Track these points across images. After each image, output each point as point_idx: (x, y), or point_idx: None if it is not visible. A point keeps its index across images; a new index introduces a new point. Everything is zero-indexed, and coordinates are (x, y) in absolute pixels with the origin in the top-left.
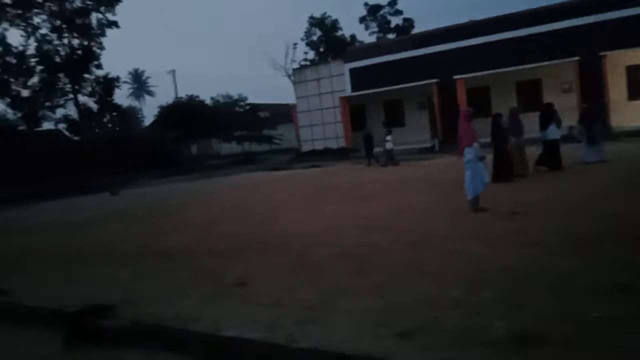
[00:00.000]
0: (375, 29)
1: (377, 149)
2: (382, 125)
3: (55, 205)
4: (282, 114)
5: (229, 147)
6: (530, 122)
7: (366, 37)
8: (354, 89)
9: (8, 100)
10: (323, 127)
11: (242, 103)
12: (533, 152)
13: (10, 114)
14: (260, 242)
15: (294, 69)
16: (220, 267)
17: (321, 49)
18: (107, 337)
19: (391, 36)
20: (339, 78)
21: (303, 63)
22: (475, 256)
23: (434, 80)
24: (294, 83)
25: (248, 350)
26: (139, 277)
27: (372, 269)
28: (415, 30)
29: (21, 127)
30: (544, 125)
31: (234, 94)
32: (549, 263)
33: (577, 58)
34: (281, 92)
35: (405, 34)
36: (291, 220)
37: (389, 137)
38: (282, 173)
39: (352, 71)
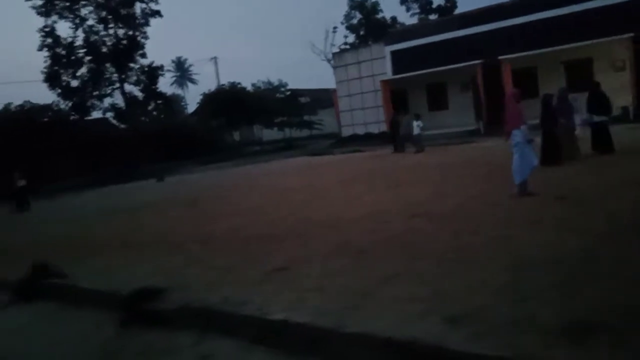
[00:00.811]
0: (417, 10)
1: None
2: (402, 113)
3: (105, 192)
4: (323, 99)
5: (271, 134)
6: (581, 103)
7: (407, 18)
8: (395, 72)
9: (59, 90)
10: (363, 112)
11: (282, 89)
12: (584, 135)
13: (62, 104)
14: (303, 227)
15: (333, 53)
16: (265, 252)
17: (361, 32)
18: (159, 320)
19: (433, 17)
20: (379, 61)
21: (343, 47)
22: (523, 242)
23: (478, 62)
24: (334, 67)
25: (296, 334)
26: (187, 262)
27: (418, 255)
28: (458, 11)
29: (72, 117)
30: (591, 107)
31: (275, 80)
32: (599, 250)
33: (631, 34)
34: (321, 77)
35: (448, 14)
36: (333, 205)
37: (418, 123)
38: (322, 158)
39: (394, 54)
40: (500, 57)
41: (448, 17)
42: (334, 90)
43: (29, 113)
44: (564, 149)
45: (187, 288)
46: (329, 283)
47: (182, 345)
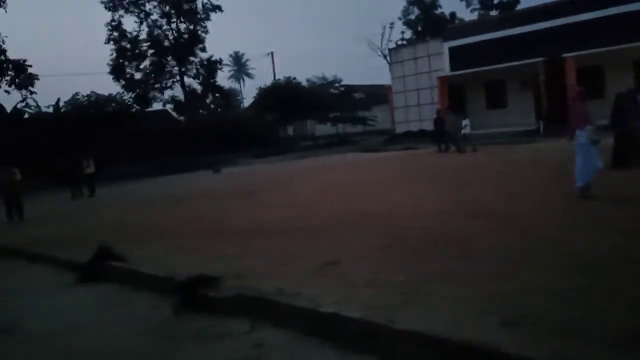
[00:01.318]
0: (477, 6)
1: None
2: (447, 111)
3: (164, 181)
4: (377, 95)
5: (324, 129)
6: None
7: (467, 14)
8: (453, 68)
9: (123, 82)
10: (419, 109)
11: (337, 84)
12: None
13: (125, 95)
14: (355, 222)
15: (390, 49)
16: (317, 245)
17: (419, 28)
18: (213, 306)
19: (494, 13)
20: (437, 57)
21: (400, 43)
22: (583, 246)
23: (540, 59)
24: (390, 63)
25: (347, 328)
26: (241, 251)
27: (473, 255)
28: (520, 7)
29: (134, 108)
30: None
31: (329, 75)
32: None
33: None
34: (376, 72)
35: (510, 10)
36: (387, 201)
37: (466, 122)
38: (376, 155)
39: (452, 50)
40: (564, 55)
41: (510, 13)
42: (389, 87)
43: (94, 103)
44: (635, 151)
45: (241, 277)
46: (381, 279)
47: (235, 331)
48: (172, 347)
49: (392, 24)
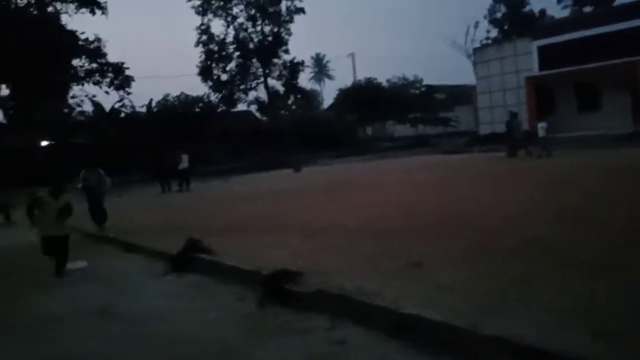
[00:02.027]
0: (569, 2)
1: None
2: (510, 115)
3: (248, 178)
4: (459, 95)
5: (403, 130)
6: None
7: (558, 11)
8: (542, 68)
9: (210, 83)
10: (504, 110)
11: (418, 85)
12: None
13: (212, 96)
14: (440, 223)
15: (474, 49)
16: (397, 245)
17: (505, 27)
18: (295, 301)
19: (588, 9)
20: (525, 57)
21: (485, 42)
22: None
23: (639, 58)
24: (475, 63)
25: (429, 331)
26: (322, 248)
27: (563, 261)
28: (617, 2)
29: (220, 108)
30: None
31: (410, 75)
32: None
33: None
34: (459, 73)
35: (605, 5)
36: (473, 203)
37: (542, 124)
38: (458, 156)
39: (541, 49)
40: None
41: (606, 9)
42: (473, 87)
43: (184, 103)
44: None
45: (323, 274)
46: (465, 283)
47: (317, 327)
48: (257, 339)
49: (477, 22)
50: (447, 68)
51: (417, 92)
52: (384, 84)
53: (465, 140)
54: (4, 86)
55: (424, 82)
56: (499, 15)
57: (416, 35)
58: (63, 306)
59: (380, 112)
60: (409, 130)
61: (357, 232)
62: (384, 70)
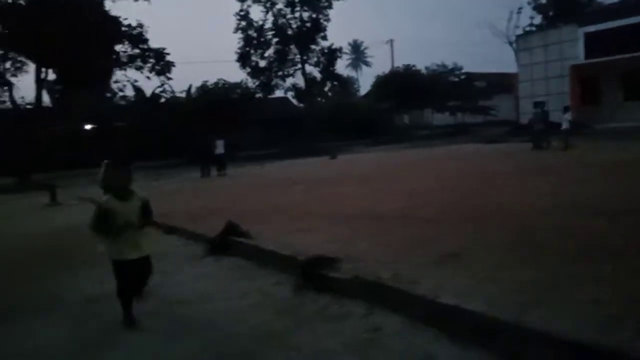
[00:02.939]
0: None
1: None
2: (533, 106)
3: (284, 164)
4: (500, 83)
5: (441, 118)
6: None
7: None
8: (588, 56)
9: (248, 70)
10: (547, 99)
11: (457, 72)
12: None
13: (250, 82)
14: (475, 213)
15: (517, 35)
16: (435, 235)
17: (550, 13)
18: (331, 287)
19: None
20: (570, 44)
21: (528, 29)
22: None
23: None
24: (517, 50)
25: (468, 322)
26: (359, 235)
27: (606, 256)
28: None
29: (257, 95)
30: None
31: (449, 62)
32: None
33: None
34: (500, 60)
35: None
36: (513, 194)
37: (566, 116)
38: (498, 146)
39: (588, 36)
40: None
41: None
42: (515, 75)
43: (222, 89)
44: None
45: (359, 261)
46: (505, 275)
47: (353, 314)
48: (294, 324)
49: (520, 9)
50: (488, 55)
51: (456, 79)
52: (423, 71)
53: (505, 129)
54: (50, 71)
55: (464, 70)
56: (543, 1)
57: (456, 22)
58: (104, 287)
59: (418, 99)
60: (448, 119)
61: (393, 220)
62: (422, 57)
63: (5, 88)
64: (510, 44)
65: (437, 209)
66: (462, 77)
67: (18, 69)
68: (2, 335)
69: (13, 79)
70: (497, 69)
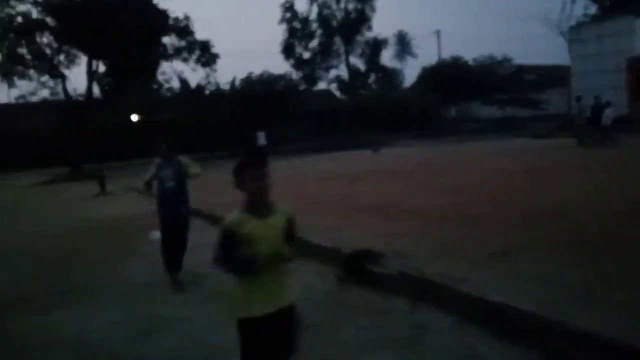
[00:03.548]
0: None
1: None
2: (576, 101)
3: (327, 158)
4: (552, 76)
5: (489, 111)
6: None
7: None
8: None
9: (292, 62)
10: (601, 93)
11: (506, 65)
12: None
13: (294, 74)
14: (523, 212)
15: (571, 27)
16: (482, 232)
17: (607, 3)
18: (376, 282)
19: None
20: (627, 36)
21: (582, 20)
22: None
23: None
24: (570, 42)
25: (515, 321)
26: (404, 232)
27: None
28: None
29: (301, 87)
30: None
31: (499, 54)
32: None
33: None
34: (552, 53)
35: None
36: (564, 193)
37: (608, 112)
38: (547, 142)
39: None
40: None
41: None
42: (567, 68)
43: (266, 82)
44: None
45: (405, 257)
46: (554, 274)
47: (397, 310)
48: (338, 317)
49: None
50: (540, 48)
51: (506, 72)
52: (471, 63)
53: (556, 124)
54: (101, 64)
55: (514, 62)
56: None
57: (507, 12)
58: (153, 274)
59: (466, 92)
60: (496, 112)
61: (439, 217)
62: (471, 49)
63: (59, 80)
64: (564, 35)
65: (485, 207)
66: (512, 69)
67: (71, 62)
68: (61, 318)
69: (66, 72)
70: (550, 62)
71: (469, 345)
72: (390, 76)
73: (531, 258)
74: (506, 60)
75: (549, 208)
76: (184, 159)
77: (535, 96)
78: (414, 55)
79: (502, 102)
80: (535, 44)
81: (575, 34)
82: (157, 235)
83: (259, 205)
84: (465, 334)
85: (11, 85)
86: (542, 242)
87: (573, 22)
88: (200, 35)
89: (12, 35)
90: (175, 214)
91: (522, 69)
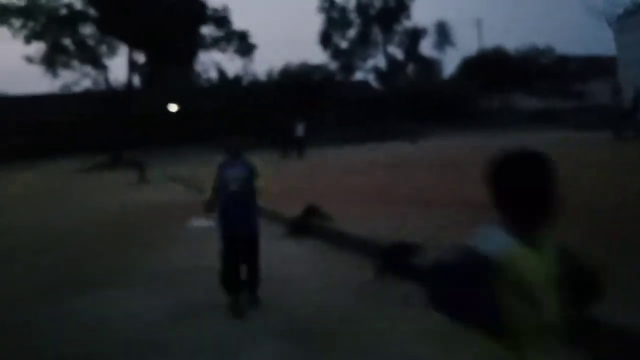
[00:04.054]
0: None
1: None
2: (613, 93)
3: (364, 148)
4: (596, 66)
5: (530, 102)
6: None
7: None
8: None
9: (330, 51)
10: None
11: (549, 54)
12: None
13: (331, 64)
14: (574, 206)
15: (618, 16)
16: None
17: None
18: (413, 274)
19: None
20: None
21: (630, 8)
22: None
23: None
24: (616, 32)
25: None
26: (443, 223)
27: None
28: None
29: (338, 77)
30: None
31: (541, 44)
32: None
33: None
34: (597, 42)
35: None
36: (597, 187)
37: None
38: (590, 134)
39: None
40: None
41: None
42: (613, 58)
43: (303, 72)
44: None
45: (444, 248)
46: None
47: None
48: (375, 308)
49: None
50: (584, 37)
51: (549, 62)
52: (512, 52)
53: (598, 116)
54: (140, 54)
55: (556, 52)
56: None
57: (550, 1)
58: (191, 260)
59: (506, 83)
60: (537, 103)
61: (481, 209)
62: (512, 39)
63: (101, 70)
64: (610, 24)
65: None
66: (554, 59)
67: (112, 52)
68: (98, 301)
69: (107, 62)
70: (594, 52)
71: None
72: (429, 66)
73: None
74: (548, 50)
75: (583, 203)
76: (255, 161)
77: (578, 86)
78: (453, 45)
79: (543, 93)
80: (580, 33)
81: (622, 23)
82: (196, 222)
83: (531, 231)
84: None
85: (55, 75)
86: (586, 238)
87: (620, 11)
88: (237, 24)
89: (56, 26)
90: (240, 228)
91: (564, 59)
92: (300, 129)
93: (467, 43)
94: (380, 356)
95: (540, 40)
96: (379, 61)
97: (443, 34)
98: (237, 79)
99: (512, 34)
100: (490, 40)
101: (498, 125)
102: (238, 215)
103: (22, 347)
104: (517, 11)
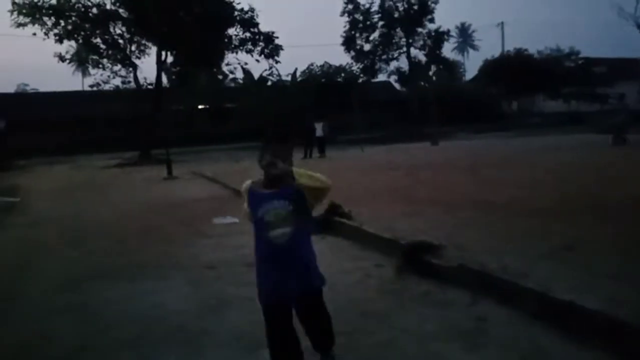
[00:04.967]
0: None
1: None
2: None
3: (385, 149)
4: (624, 69)
5: (554, 105)
6: None
7: None
8: None
9: (353, 53)
10: None
11: (573, 57)
12: None
13: (354, 66)
14: (592, 206)
15: None
16: (546, 226)
17: None
18: (434, 273)
19: None
20: None
21: None
22: None
23: None
24: None
25: (584, 319)
26: (463, 223)
27: None
28: None
29: (361, 78)
30: None
31: (565, 46)
32: None
33: None
34: (625, 45)
35: None
36: (620, 187)
37: None
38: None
39: None
40: None
41: None
42: None
43: (326, 73)
44: None
45: (464, 249)
46: (623, 271)
47: (457, 302)
48: (398, 305)
49: None
50: (611, 39)
51: (573, 64)
52: (535, 55)
53: (626, 119)
54: (169, 53)
55: (582, 54)
56: None
57: (577, 2)
58: (218, 255)
59: (530, 85)
60: (561, 107)
61: (501, 210)
62: (536, 41)
63: (130, 69)
64: (638, 26)
65: (548, 200)
66: (580, 62)
67: (142, 52)
68: (134, 291)
69: (137, 61)
70: (623, 54)
71: (531, 340)
72: (451, 68)
73: (600, 253)
74: (573, 52)
75: (620, 202)
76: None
77: (604, 90)
78: (475, 48)
79: (567, 96)
80: (607, 36)
81: None
82: (221, 220)
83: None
84: (527, 329)
85: (85, 73)
86: (611, 237)
87: None
88: (262, 26)
89: (87, 25)
90: (290, 293)
91: (590, 62)
92: (319, 129)
93: (490, 46)
94: (401, 353)
95: (566, 43)
96: (402, 63)
97: (465, 36)
98: (263, 80)
99: (537, 37)
100: (514, 43)
101: (519, 128)
102: (286, 271)
103: (81, 328)
104: (542, 13)
